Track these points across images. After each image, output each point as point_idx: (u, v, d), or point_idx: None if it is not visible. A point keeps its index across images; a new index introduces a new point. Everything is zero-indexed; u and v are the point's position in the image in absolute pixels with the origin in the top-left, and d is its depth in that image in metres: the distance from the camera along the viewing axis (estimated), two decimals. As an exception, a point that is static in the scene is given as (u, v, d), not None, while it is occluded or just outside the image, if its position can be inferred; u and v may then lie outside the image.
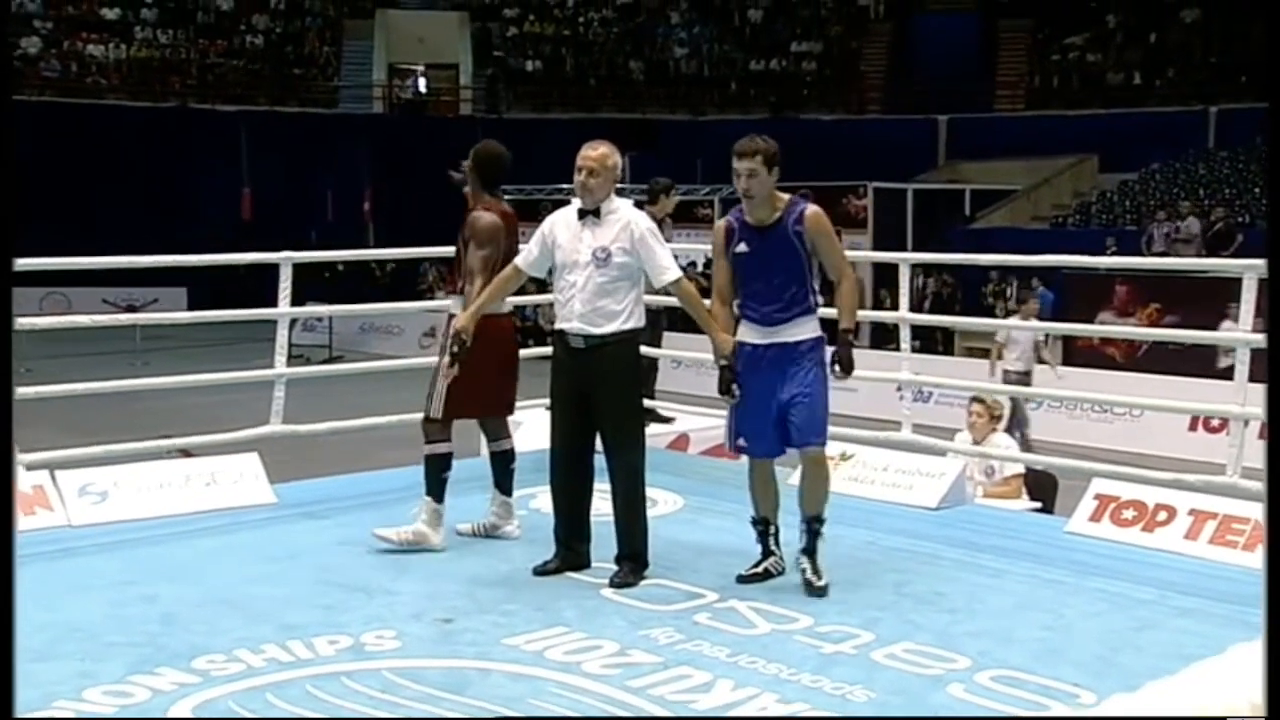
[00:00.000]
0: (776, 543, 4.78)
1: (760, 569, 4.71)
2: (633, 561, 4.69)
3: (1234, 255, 16.15)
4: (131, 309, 19.88)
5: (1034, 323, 11.21)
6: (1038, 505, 6.39)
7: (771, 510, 4.78)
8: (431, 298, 20.69)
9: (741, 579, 4.64)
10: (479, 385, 5.06)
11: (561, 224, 4.77)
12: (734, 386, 4.59)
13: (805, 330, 4.61)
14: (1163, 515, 5.19)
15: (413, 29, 29.76)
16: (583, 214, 4.70)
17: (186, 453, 6.47)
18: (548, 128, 27.32)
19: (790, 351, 4.58)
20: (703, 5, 30.68)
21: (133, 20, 28.40)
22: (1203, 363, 12.00)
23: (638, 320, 4.71)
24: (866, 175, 21.23)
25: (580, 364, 4.70)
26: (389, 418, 6.59)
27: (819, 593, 4.49)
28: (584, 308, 4.65)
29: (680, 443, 7.45)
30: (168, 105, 26.89)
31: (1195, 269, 9.89)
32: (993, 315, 16.70)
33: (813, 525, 4.64)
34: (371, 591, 4.52)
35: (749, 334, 4.63)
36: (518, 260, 4.92)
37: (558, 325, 4.80)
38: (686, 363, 10.52)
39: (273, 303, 6.26)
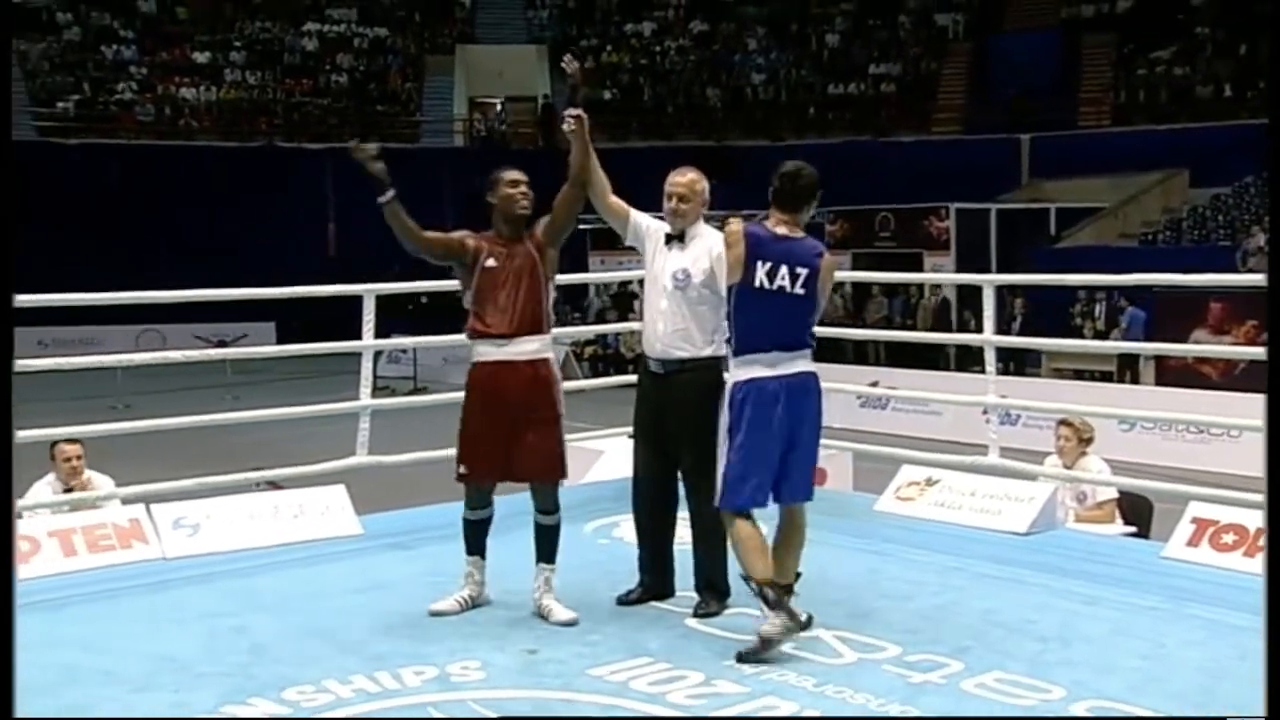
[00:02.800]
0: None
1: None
2: (713, 591, 4.65)
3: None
4: (222, 344, 20.39)
5: (1124, 343, 10.95)
6: (1132, 530, 6.23)
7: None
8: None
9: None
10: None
11: (653, 239, 4.73)
12: None
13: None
14: (1264, 540, 5.03)
15: (492, 63, 30.22)
16: (669, 239, 4.68)
17: (275, 485, 6.57)
18: (626, 157, 27.50)
19: None
20: (779, 31, 30.72)
21: (222, 63, 29.25)
22: (1305, 381, 11.63)
23: (718, 347, 4.58)
24: (948, 196, 21.05)
25: (660, 389, 4.68)
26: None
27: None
28: (666, 330, 4.62)
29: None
30: (255, 144, 27.59)
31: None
32: (1080, 336, 16.40)
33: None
34: (456, 622, 4.55)
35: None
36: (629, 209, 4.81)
37: (643, 350, 4.78)
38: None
39: (357, 336, 6.36)
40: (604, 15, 31.94)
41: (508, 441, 4.59)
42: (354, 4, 31.13)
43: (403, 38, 30.96)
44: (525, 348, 4.55)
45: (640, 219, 4.81)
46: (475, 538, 4.79)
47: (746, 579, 4.23)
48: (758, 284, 4.20)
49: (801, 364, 4.26)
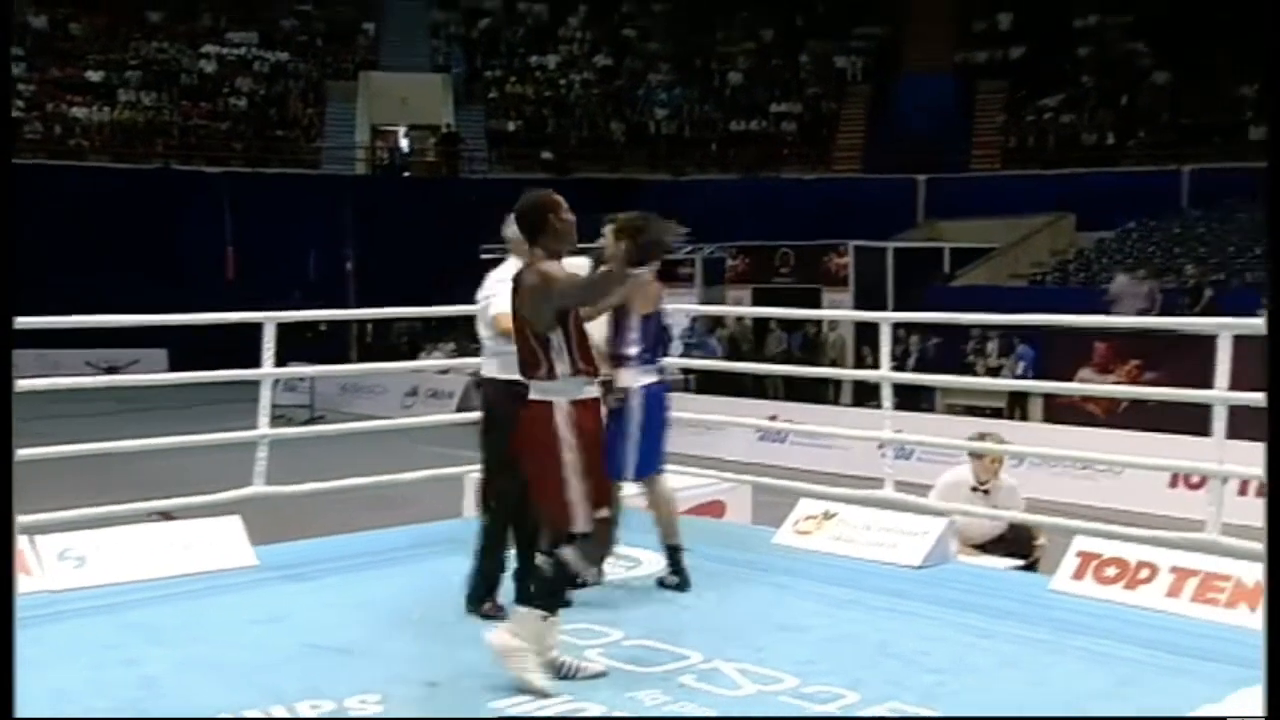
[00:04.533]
0: None
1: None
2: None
3: (1202, 312, 16.35)
4: (113, 370, 19.85)
5: (1010, 381, 11.20)
6: (1020, 563, 6.40)
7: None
8: (413, 358, 20.78)
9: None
10: None
11: None
12: None
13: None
14: (1145, 573, 5.22)
15: (396, 91, 30.04)
16: None
17: (167, 515, 6.42)
18: (529, 187, 27.51)
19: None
20: (683, 67, 31.11)
21: (116, 83, 28.59)
22: (1183, 419, 12.07)
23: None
24: (847, 234, 21.43)
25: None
26: (371, 479, 6.59)
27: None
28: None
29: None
30: (150, 167, 26.97)
31: (1169, 327, 10.02)
32: (973, 373, 16.80)
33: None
34: (355, 654, 4.50)
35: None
36: None
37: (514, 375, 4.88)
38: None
39: (253, 363, 6.26)
40: (509, 47, 32.02)
41: None
42: (255, 28, 30.71)
43: (305, 63, 30.64)
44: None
45: None
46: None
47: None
48: None
49: None
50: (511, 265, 5.03)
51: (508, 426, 4.53)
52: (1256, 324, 4.45)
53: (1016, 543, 6.74)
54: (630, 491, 5.53)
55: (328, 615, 4.98)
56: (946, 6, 29.95)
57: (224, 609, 5.09)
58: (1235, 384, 5.18)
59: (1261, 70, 24.77)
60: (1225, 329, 5.11)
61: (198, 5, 30.77)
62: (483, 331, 5.15)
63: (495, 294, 5.00)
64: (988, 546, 6.68)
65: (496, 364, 5.05)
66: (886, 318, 6.45)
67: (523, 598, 4.48)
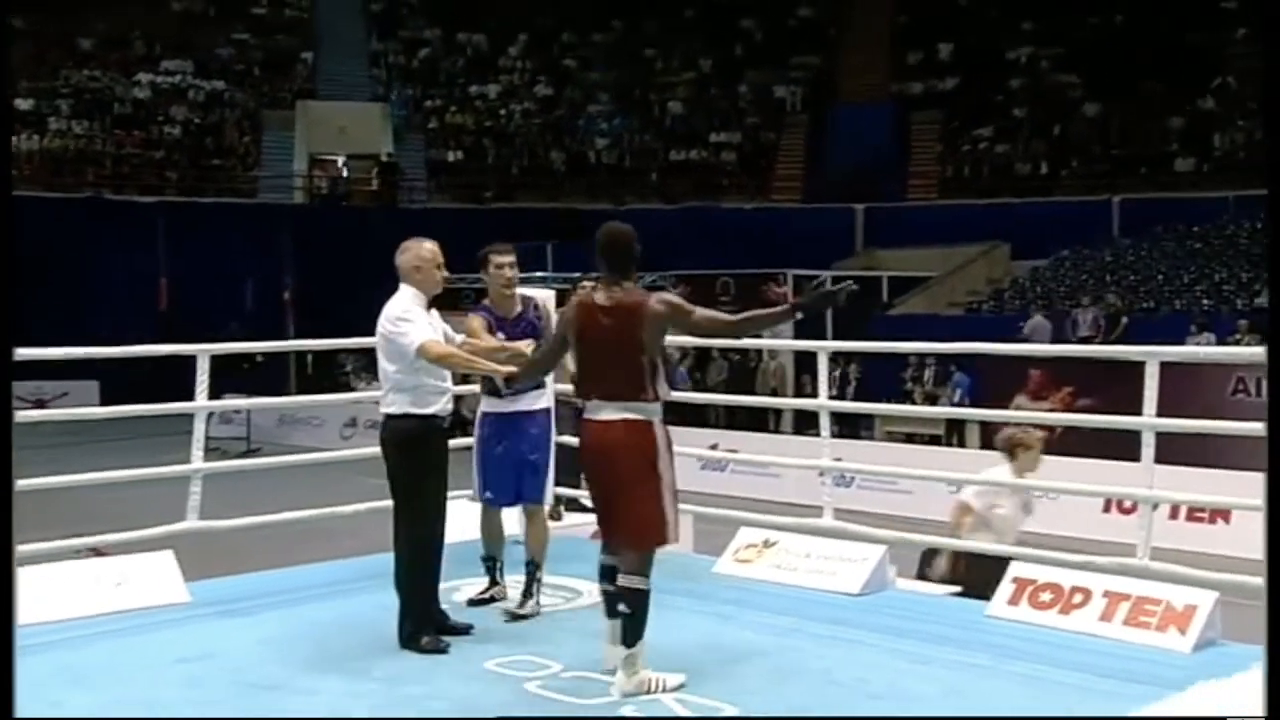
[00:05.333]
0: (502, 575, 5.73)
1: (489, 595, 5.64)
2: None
3: (1119, 339, 16.71)
4: (41, 403, 19.46)
5: (949, 409, 11.27)
6: (958, 589, 6.44)
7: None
8: (352, 389, 20.59)
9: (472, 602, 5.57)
10: None
11: (424, 311, 5.18)
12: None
13: (541, 401, 5.73)
14: (1079, 597, 5.28)
15: (334, 120, 29.89)
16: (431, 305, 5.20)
17: (98, 552, 6.30)
18: (469, 217, 27.51)
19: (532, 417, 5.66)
20: (623, 97, 31.29)
21: (47, 111, 28.16)
22: (1117, 445, 12.27)
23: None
24: (786, 263, 21.62)
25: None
26: (306, 512, 6.51)
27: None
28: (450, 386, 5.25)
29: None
30: (82, 195, 26.54)
31: (1099, 355, 10.22)
32: (911, 400, 16.99)
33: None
34: (287, 690, 4.43)
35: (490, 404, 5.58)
36: None
37: (440, 410, 5.11)
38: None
39: (187, 395, 6.16)
40: (449, 76, 32.01)
41: None
42: (190, 56, 30.40)
43: (241, 91, 30.40)
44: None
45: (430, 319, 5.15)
46: None
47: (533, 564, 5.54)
48: None
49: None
50: (407, 295, 5.04)
51: (426, 459, 5.01)
52: (1184, 351, 4.54)
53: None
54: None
55: (259, 652, 4.90)
56: (882, 37, 30.44)
57: (153, 647, 4.98)
58: (1164, 410, 5.28)
59: (1188, 103, 25.43)
60: (1152, 356, 5.21)
61: (130, 33, 30.40)
62: (389, 366, 5.00)
63: (408, 326, 4.94)
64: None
65: (408, 399, 4.99)
66: (824, 346, 6.51)
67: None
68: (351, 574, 6.16)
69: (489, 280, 5.56)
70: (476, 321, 5.45)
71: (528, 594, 5.49)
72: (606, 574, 4.54)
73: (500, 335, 5.37)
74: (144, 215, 25.05)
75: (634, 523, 4.43)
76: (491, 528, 5.73)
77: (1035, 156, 26.54)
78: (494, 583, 5.69)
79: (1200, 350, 11.67)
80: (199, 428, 6.09)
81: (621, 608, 4.38)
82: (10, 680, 2.57)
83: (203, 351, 6.00)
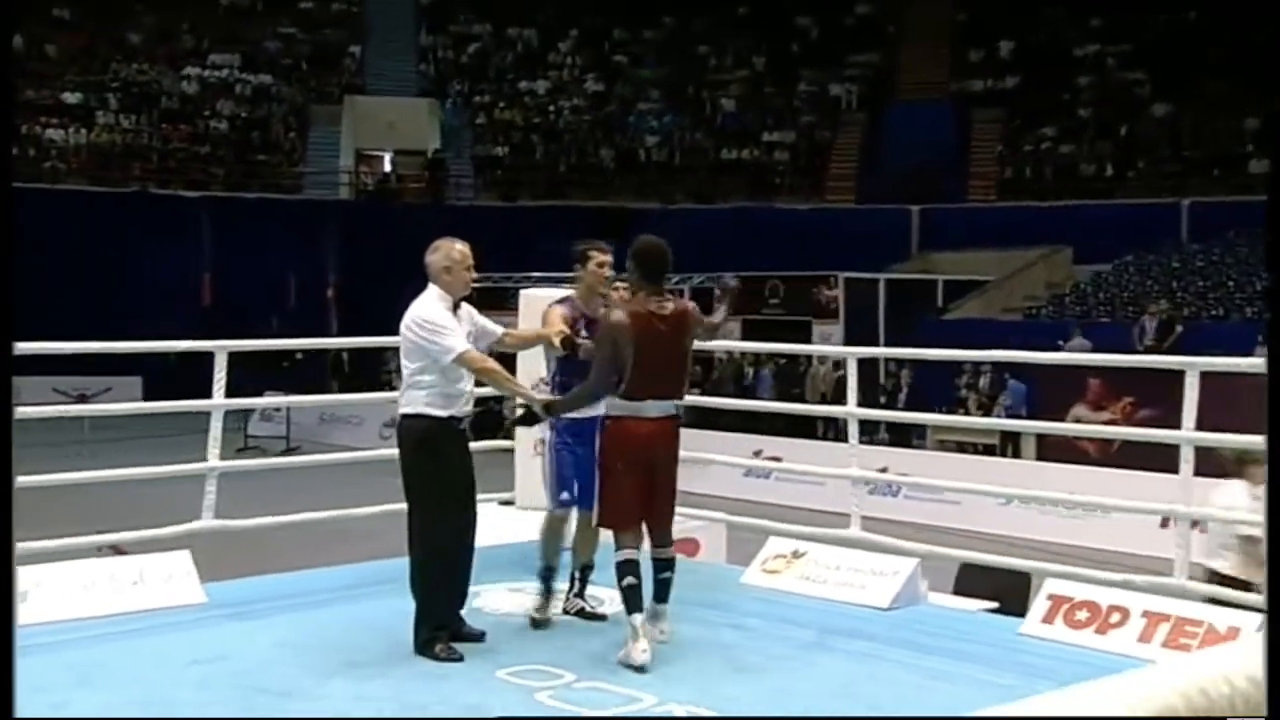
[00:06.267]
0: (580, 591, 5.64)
1: (542, 616, 5.45)
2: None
3: (1171, 348, 16.34)
4: (83, 398, 19.82)
5: (1001, 421, 11.09)
6: (994, 606, 6.37)
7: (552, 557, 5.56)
8: (394, 388, 20.75)
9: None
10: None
11: (447, 313, 5.26)
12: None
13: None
14: (1116, 617, 5.19)
15: (381, 115, 30.15)
16: (457, 305, 5.26)
17: (119, 550, 6.39)
18: (516, 214, 27.63)
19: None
20: (674, 94, 31.26)
21: (95, 105, 28.68)
22: (1176, 459, 12.06)
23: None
24: (838, 265, 21.52)
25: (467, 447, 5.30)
26: (324, 513, 6.56)
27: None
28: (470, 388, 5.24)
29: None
30: (128, 190, 27.01)
31: (1131, 364, 10.05)
32: (965, 407, 16.81)
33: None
34: (296, 695, 4.46)
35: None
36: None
37: (458, 411, 5.13)
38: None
39: (229, 391, 6.26)
40: (498, 72, 32.18)
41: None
42: (237, 50, 30.83)
43: (288, 86, 30.77)
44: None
45: (453, 323, 5.17)
46: None
47: (585, 567, 5.57)
48: None
49: None
50: (432, 296, 5.11)
51: (439, 462, 5.06)
52: (1223, 362, 4.45)
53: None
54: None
55: (272, 656, 4.94)
56: (942, 35, 30.17)
57: (165, 649, 5.03)
58: (1222, 424, 5.15)
59: (1264, 103, 24.98)
60: (1192, 366, 5.11)
61: (179, 27, 30.89)
62: (408, 364, 5.09)
63: (446, 333, 5.02)
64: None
65: (424, 398, 5.06)
66: (852, 353, 6.46)
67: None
68: (369, 577, 6.19)
69: (585, 276, 5.49)
70: (557, 313, 5.40)
71: (580, 596, 5.61)
72: (628, 569, 4.95)
73: (583, 333, 5.33)
74: (189, 210, 25.45)
75: (673, 504, 5.21)
76: (556, 536, 5.58)
77: (1100, 157, 26.15)
78: (550, 594, 5.50)
79: (1242, 361, 11.43)
80: (215, 425, 6.15)
81: (668, 574, 5.08)
82: (10, 680, 2.60)
83: (220, 348, 6.07)
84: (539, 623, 5.40)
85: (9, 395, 3.08)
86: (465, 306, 5.24)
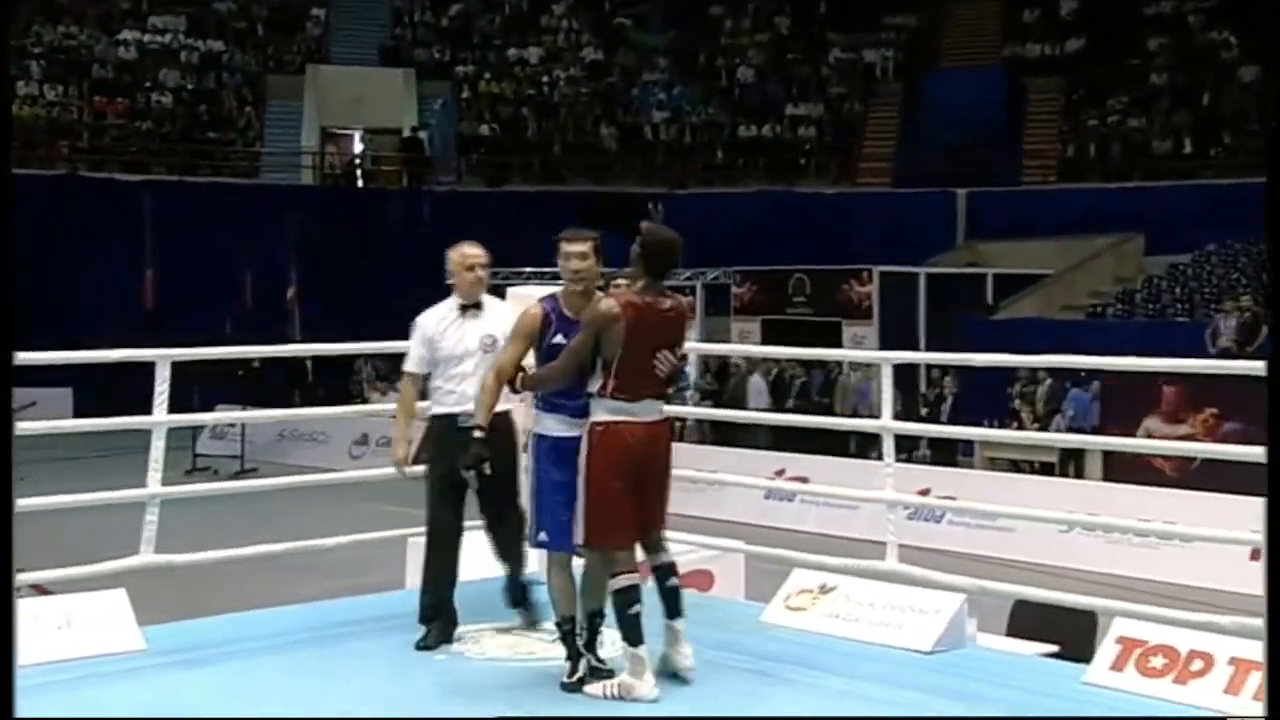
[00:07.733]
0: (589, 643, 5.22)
1: (576, 677, 5.12)
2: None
3: (1257, 352, 16.23)
4: None
5: (1061, 435, 11.00)
6: (1053, 649, 6.33)
7: (572, 606, 5.25)
8: (365, 401, 20.74)
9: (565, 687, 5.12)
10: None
11: (442, 325, 5.87)
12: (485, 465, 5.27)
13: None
14: (1198, 664, 5.15)
15: (349, 88, 30.22)
16: (464, 309, 5.87)
17: (42, 589, 6.37)
18: (506, 200, 27.67)
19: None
20: (684, 63, 31.32)
21: (15, 74, 28.69)
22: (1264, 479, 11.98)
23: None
24: (872, 257, 21.53)
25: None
26: (290, 544, 6.54)
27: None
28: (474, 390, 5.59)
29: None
30: (54, 173, 27.00)
31: (1200, 370, 9.93)
32: (1018, 420, 16.78)
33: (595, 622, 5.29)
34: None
35: (558, 426, 5.19)
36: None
37: (449, 409, 5.78)
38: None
39: (176, 405, 6.26)
40: (484, 38, 32.27)
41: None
42: (182, 11, 30.89)
43: (242, 54, 30.83)
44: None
45: (424, 335, 5.91)
46: None
47: (595, 614, 5.21)
48: None
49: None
50: (449, 302, 5.92)
51: (431, 452, 5.89)
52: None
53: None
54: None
55: (214, 708, 4.93)
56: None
57: (96, 703, 5.00)
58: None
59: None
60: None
61: (115, -16, 31.00)
62: (457, 374, 5.84)
63: (411, 345, 5.92)
64: None
65: (431, 399, 5.97)
66: (888, 358, 6.43)
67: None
68: (337, 618, 6.19)
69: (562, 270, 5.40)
70: (527, 320, 5.28)
71: (591, 648, 5.22)
72: (629, 596, 5.03)
73: (559, 337, 5.18)
74: (127, 197, 25.44)
75: (665, 514, 5.30)
76: (565, 581, 5.24)
77: (1177, 132, 26.08)
78: (578, 653, 5.17)
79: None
80: (156, 446, 6.12)
81: (675, 580, 5.20)
82: (10, 680, 2.73)
83: (163, 358, 6.05)
84: (570, 687, 5.14)
85: (9, 403, 3.19)
86: (493, 311, 5.90)
